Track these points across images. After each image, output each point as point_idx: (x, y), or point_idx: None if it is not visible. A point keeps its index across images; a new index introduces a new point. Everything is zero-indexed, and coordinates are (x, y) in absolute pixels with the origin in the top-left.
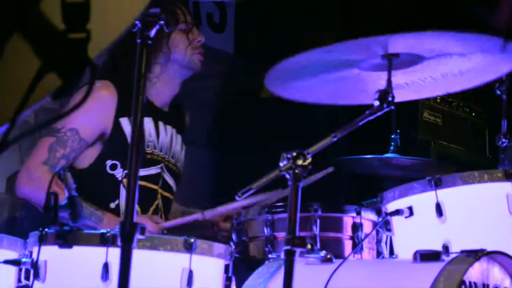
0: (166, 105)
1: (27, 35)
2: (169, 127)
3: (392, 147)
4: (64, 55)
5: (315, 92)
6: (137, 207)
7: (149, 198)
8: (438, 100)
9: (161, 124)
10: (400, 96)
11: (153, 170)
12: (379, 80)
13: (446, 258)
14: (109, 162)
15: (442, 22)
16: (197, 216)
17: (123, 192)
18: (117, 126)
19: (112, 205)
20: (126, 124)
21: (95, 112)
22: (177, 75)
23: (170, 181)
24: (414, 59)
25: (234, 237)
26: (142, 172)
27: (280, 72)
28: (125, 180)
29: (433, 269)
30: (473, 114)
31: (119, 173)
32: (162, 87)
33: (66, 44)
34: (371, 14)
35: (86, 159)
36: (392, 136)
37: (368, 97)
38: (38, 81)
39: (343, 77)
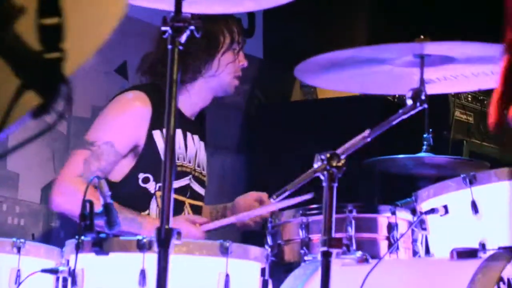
0: (194, 115)
1: (3, 56)
2: (196, 137)
3: (424, 147)
4: (41, 75)
5: (347, 82)
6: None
7: (176, 210)
8: (470, 99)
9: (188, 134)
10: (432, 90)
11: (182, 182)
12: (411, 74)
13: (483, 255)
14: (141, 175)
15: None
16: (231, 219)
17: (153, 204)
18: (149, 138)
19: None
20: (158, 137)
21: (130, 124)
22: (212, 91)
23: (199, 190)
24: (445, 59)
25: (269, 240)
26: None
27: (310, 66)
28: (158, 193)
29: (470, 266)
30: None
31: (151, 186)
32: (194, 98)
33: (42, 63)
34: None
35: (119, 172)
36: (425, 136)
37: (399, 88)
38: (17, 100)
39: (374, 71)
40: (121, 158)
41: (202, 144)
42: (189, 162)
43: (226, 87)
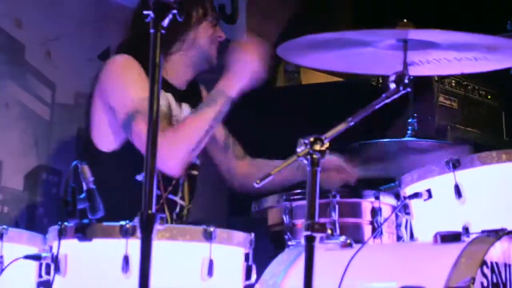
0: (181, 86)
1: None
2: (185, 105)
3: (409, 132)
4: None
5: (331, 61)
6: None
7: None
8: (453, 84)
9: (176, 103)
10: (415, 72)
11: None
12: (394, 56)
13: (467, 239)
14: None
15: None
16: None
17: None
18: None
19: (139, 177)
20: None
21: (144, 80)
22: (194, 64)
23: (194, 159)
24: (428, 44)
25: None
26: None
27: (294, 46)
28: None
29: (454, 250)
30: (489, 97)
31: None
32: (178, 69)
33: None
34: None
35: (112, 143)
36: (409, 121)
37: (382, 68)
38: None
39: (358, 52)
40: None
41: None
42: None
43: (207, 56)
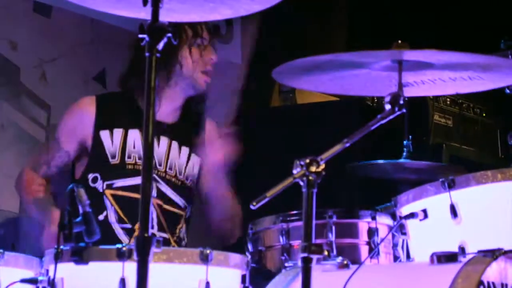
0: (168, 117)
1: None
2: (164, 138)
3: (405, 153)
4: None
5: (325, 84)
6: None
7: (134, 209)
8: (448, 102)
9: (162, 137)
10: (410, 93)
11: (135, 181)
12: (389, 77)
13: (463, 259)
14: (91, 176)
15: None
16: None
17: (107, 203)
18: (96, 139)
19: (101, 217)
20: (106, 137)
21: (73, 124)
22: (182, 91)
23: (171, 194)
24: (423, 65)
25: (250, 246)
26: (121, 182)
27: (289, 68)
28: (106, 192)
29: (450, 270)
30: (484, 114)
31: (99, 185)
32: (165, 100)
33: None
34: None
35: (77, 176)
36: (405, 143)
37: (377, 90)
38: None
39: (353, 74)
40: (70, 157)
41: (184, 149)
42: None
43: (194, 83)
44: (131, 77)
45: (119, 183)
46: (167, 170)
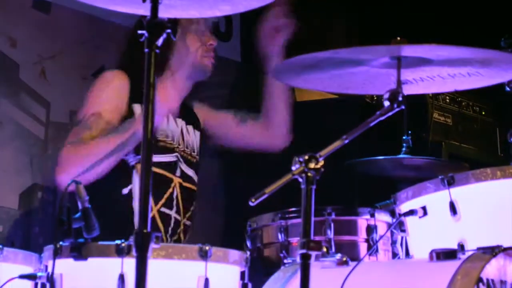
0: (177, 102)
1: None
2: (178, 120)
3: (404, 149)
4: None
5: (324, 82)
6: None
7: (162, 186)
8: (448, 100)
9: (170, 117)
10: (409, 90)
11: (167, 158)
12: (388, 74)
13: (462, 256)
14: None
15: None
16: None
17: (135, 177)
18: (130, 112)
19: (125, 191)
20: (138, 110)
21: (112, 95)
22: (188, 77)
23: (189, 172)
24: (422, 61)
25: (248, 244)
26: (156, 158)
27: (288, 67)
28: (137, 165)
29: (449, 267)
30: (483, 112)
31: (130, 158)
32: (172, 88)
33: None
34: (381, 20)
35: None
36: (404, 138)
37: (376, 88)
38: None
39: (351, 71)
40: (113, 128)
41: (191, 127)
42: (173, 140)
43: (200, 69)
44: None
45: None
46: (185, 148)
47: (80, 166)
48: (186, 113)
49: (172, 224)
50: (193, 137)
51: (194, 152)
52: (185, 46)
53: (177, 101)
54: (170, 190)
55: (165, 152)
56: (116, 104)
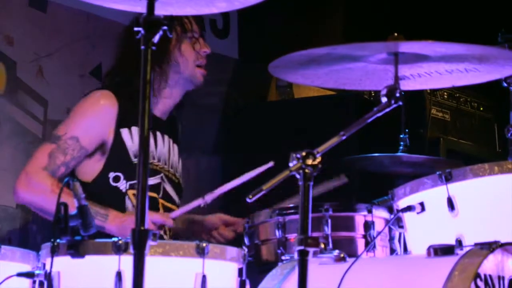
0: (165, 115)
1: None
2: (166, 137)
3: (401, 147)
4: None
5: (322, 78)
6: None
7: (150, 206)
8: (446, 96)
9: (158, 134)
10: (406, 86)
11: (152, 181)
12: (385, 70)
13: (460, 252)
14: (112, 175)
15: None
16: (199, 201)
17: (128, 204)
18: (118, 137)
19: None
20: (126, 135)
21: (95, 121)
22: (180, 87)
23: (171, 192)
24: (419, 57)
25: (246, 240)
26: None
27: (285, 63)
28: (129, 192)
29: (447, 263)
30: (481, 108)
31: (122, 185)
32: (164, 97)
33: None
34: (378, 16)
35: (90, 172)
36: (401, 136)
37: (374, 84)
38: None
39: (349, 67)
40: (86, 154)
41: (175, 147)
42: (159, 161)
43: (192, 79)
44: (118, 72)
45: None
46: (169, 168)
47: (33, 200)
48: (172, 127)
49: None
50: (177, 158)
51: (177, 173)
52: (180, 55)
53: (169, 108)
54: (159, 211)
55: (152, 175)
56: (98, 131)
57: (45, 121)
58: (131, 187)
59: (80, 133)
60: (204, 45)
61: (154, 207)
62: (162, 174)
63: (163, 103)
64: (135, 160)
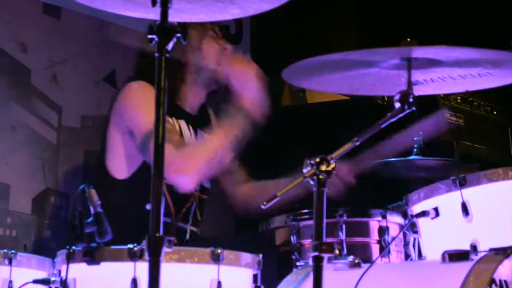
0: (193, 111)
1: None
2: (198, 130)
3: (415, 150)
4: None
5: (335, 84)
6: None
7: (182, 199)
8: (459, 100)
9: (191, 127)
10: (420, 91)
11: None
12: (398, 76)
13: (475, 257)
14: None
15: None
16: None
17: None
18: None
19: (149, 206)
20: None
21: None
22: (205, 85)
23: (205, 183)
24: (432, 62)
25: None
26: None
27: (299, 69)
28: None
29: (462, 269)
30: (495, 112)
31: None
32: (190, 96)
33: None
34: (391, 22)
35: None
36: (415, 139)
37: (387, 89)
38: None
39: (362, 73)
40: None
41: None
42: None
43: (217, 78)
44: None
45: None
46: None
47: (199, 164)
48: (204, 119)
49: (187, 237)
50: None
51: None
52: (203, 53)
53: (196, 106)
54: (189, 204)
55: None
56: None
57: (59, 127)
58: None
59: (145, 116)
60: (225, 43)
61: (186, 199)
62: None
63: (187, 100)
64: None
